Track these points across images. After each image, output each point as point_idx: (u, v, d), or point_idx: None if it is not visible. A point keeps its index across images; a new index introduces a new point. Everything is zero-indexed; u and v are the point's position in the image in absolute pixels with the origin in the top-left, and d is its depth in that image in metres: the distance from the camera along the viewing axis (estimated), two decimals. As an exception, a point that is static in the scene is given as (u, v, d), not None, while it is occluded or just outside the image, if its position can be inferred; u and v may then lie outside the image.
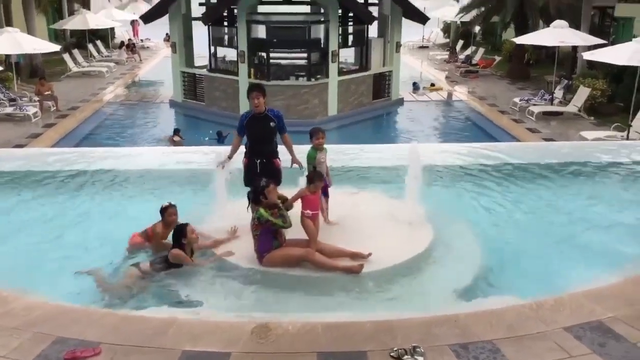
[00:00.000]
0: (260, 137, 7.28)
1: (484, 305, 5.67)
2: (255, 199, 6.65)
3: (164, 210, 7.30)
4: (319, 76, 18.15)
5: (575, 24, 20.58)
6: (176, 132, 15.28)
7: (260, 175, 7.22)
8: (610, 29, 26.06)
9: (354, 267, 6.39)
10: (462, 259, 6.99)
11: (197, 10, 19.75)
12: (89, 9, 32.02)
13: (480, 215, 8.37)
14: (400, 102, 20.96)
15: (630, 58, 13.88)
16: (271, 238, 6.50)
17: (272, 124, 7.28)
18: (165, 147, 13.68)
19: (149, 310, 5.76)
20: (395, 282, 6.42)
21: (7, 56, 20.24)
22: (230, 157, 7.46)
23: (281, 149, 7.57)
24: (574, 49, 21.99)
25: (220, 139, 15.81)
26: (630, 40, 15.56)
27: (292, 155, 7.55)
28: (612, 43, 20.00)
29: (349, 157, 10.30)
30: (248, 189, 7.31)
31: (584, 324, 4.94)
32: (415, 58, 32.01)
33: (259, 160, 7.32)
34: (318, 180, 6.70)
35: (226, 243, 7.12)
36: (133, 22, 35.44)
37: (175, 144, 14.56)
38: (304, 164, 7.34)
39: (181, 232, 6.79)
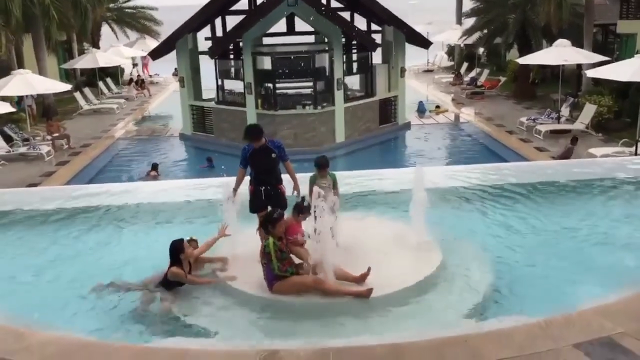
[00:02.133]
0: (263, 168, 7.58)
1: (493, 325, 5.69)
2: (263, 225, 6.76)
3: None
4: (325, 104, 18.37)
5: (578, 42, 20.74)
6: (154, 167, 15.56)
7: (265, 201, 7.44)
8: (613, 46, 26.21)
9: (363, 291, 6.44)
10: (470, 279, 7.02)
11: (204, 45, 20.15)
12: (98, 47, 32.69)
13: (488, 236, 8.39)
14: (408, 126, 21.11)
15: (634, 74, 13.98)
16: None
17: (273, 155, 7.57)
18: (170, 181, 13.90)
19: (161, 341, 5.83)
20: (405, 305, 6.45)
21: (20, 98, 20.70)
22: (236, 190, 7.67)
23: (287, 177, 7.77)
24: (579, 66, 22.12)
25: (210, 165, 16.30)
26: (633, 56, 15.67)
27: (294, 182, 7.78)
28: (616, 59, 20.11)
29: (357, 182, 10.41)
30: (253, 215, 7.63)
31: (594, 340, 4.94)
32: (421, 82, 32.24)
33: (263, 188, 7.59)
34: (307, 212, 6.95)
35: (225, 262, 7.38)
36: (143, 58, 36.12)
37: (153, 179, 14.77)
38: (306, 189, 7.50)
39: (177, 249, 6.91)
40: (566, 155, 14.54)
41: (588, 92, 20.07)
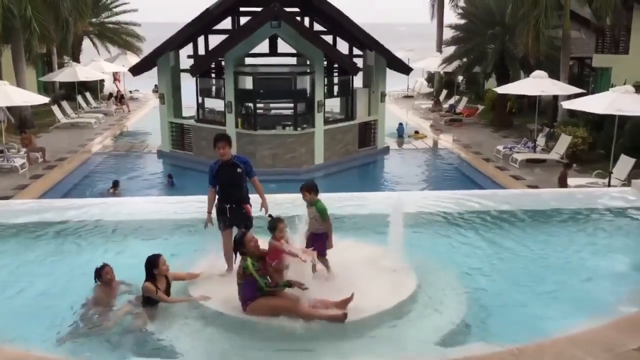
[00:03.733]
0: (228, 184, 7.47)
1: (467, 351, 5.69)
2: (235, 249, 6.71)
3: (99, 271, 7.26)
4: (305, 125, 18.45)
5: (554, 74, 21.18)
6: (115, 184, 15.57)
7: (231, 219, 7.39)
8: (589, 79, 26.82)
9: (338, 315, 6.39)
10: (445, 305, 7.03)
11: (185, 62, 20.15)
12: (78, 61, 32.48)
13: (464, 263, 8.42)
14: (386, 150, 21.26)
15: (608, 107, 14.27)
16: (254, 288, 6.51)
17: (239, 170, 7.48)
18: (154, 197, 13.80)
19: (130, 360, 5.72)
20: (379, 329, 6.42)
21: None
22: (209, 212, 7.60)
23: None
24: (555, 97, 22.57)
25: (170, 183, 16.57)
26: (608, 89, 16.03)
27: (261, 198, 7.70)
28: (591, 92, 20.57)
29: (334, 205, 10.38)
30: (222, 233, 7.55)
31: (565, 370, 4.97)
32: (400, 107, 32.59)
33: (228, 205, 7.48)
34: (280, 223, 6.77)
35: (201, 281, 7.29)
36: (115, 74, 35.90)
37: (113, 196, 14.79)
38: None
39: (152, 263, 6.85)
40: (562, 180, 14.77)
41: (564, 123, 20.45)
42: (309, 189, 7.27)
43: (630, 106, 13.97)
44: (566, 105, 16.59)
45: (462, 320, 6.72)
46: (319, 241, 7.24)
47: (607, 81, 22.87)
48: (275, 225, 6.77)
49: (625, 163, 15.46)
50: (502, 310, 6.99)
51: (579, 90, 19.09)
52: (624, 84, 17.08)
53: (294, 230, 6.98)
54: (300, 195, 7.28)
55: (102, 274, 7.26)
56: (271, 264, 6.59)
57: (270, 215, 6.92)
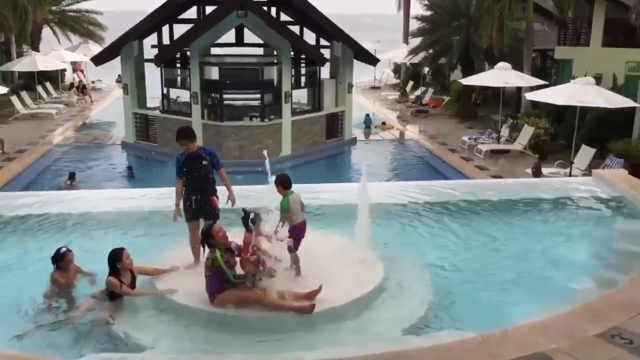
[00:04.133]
0: (194, 176, 7.37)
1: (433, 339, 5.75)
2: (204, 242, 6.63)
3: (60, 255, 7.18)
4: (272, 117, 18.35)
5: (518, 66, 21.51)
6: (71, 176, 15.31)
7: (197, 211, 7.33)
8: (551, 71, 27.32)
9: (306, 307, 6.38)
10: (412, 295, 7.10)
11: (150, 52, 19.81)
12: (38, 50, 31.64)
13: (430, 252, 8.51)
14: (354, 141, 21.32)
15: (569, 98, 14.55)
16: (222, 280, 6.46)
17: (204, 162, 7.38)
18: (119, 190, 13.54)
19: (94, 355, 5.61)
20: (346, 320, 6.44)
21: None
22: (177, 205, 7.49)
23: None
24: (518, 89, 22.93)
25: (130, 175, 16.49)
26: (570, 81, 16.36)
27: (229, 191, 7.62)
28: (553, 84, 20.97)
29: (302, 196, 10.35)
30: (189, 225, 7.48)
31: (528, 356, 5.06)
32: (367, 98, 32.70)
33: (194, 197, 7.40)
34: (257, 221, 6.68)
35: (168, 274, 7.19)
36: (73, 63, 35.06)
37: (70, 188, 14.56)
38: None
39: (115, 257, 6.75)
40: (537, 171, 15.00)
41: (527, 114, 20.82)
42: (277, 183, 7.16)
43: (590, 97, 14.28)
44: (529, 96, 16.88)
45: (429, 309, 6.79)
46: (291, 234, 7.19)
47: (569, 73, 23.33)
48: (253, 220, 6.66)
49: (586, 153, 15.83)
50: (468, 298, 7.09)
51: (541, 82, 19.43)
52: (585, 75, 17.46)
53: (262, 223, 6.91)
54: (265, 187, 7.22)
55: (63, 258, 7.15)
56: (248, 259, 6.52)
57: (243, 210, 6.83)
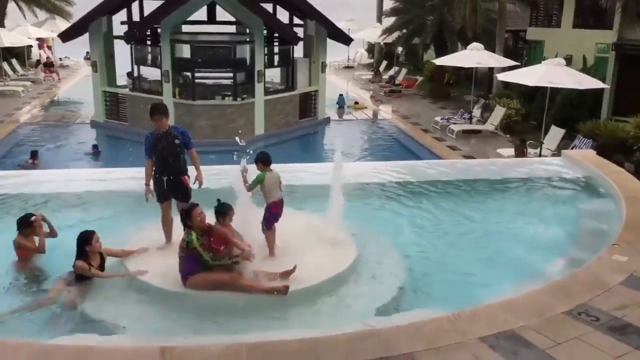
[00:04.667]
0: (165, 155, 7.23)
1: (405, 318, 5.81)
2: (183, 220, 6.55)
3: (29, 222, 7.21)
4: (245, 96, 18.17)
5: (490, 47, 21.64)
6: (33, 154, 15.11)
7: (168, 191, 7.25)
8: (523, 52, 27.54)
9: (280, 287, 6.38)
10: (385, 274, 7.15)
11: (119, 29, 19.37)
12: (3, 26, 30.69)
13: (403, 232, 8.58)
14: (327, 121, 21.27)
15: (540, 79, 14.70)
16: (196, 262, 6.41)
17: (177, 141, 7.25)
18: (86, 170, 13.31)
19: (63, 338, 5.54)
20: (320, 299, 6.48)
21: None
22: (147, 184, 7.36)
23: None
24: (491, 69, 23.09)
25: (95, 153, 16.37)
26: (541, 62, 16.52)
27: (197, 171, 7.51)
28: (525, 65, 21.15)
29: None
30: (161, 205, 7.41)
31: (498, 334, 5.14)
32: (341, 78, 32.59)
33: (165, 178, 7.29)
34: (229, 210, 6.60)
35: (138, 255, 7.14)
36: (39, 40, 34.09)
37: (32, 167, 14.40)
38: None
39: (85, 240, 6.65)
40: (519, 152, 15.14)
41: (498, 95, 21.00)
42: (257, 160, 7.14)
43: (561, 78, 14.45)
44: (501, 77, 17.01)
45: (402, 287, 6.86)
46: (266, 212, 7.15)
47: (540, 54, 23.55)
48: (225, 211, 6.58)
49: (555, 134, 16.07)
50: (440, 277, 7.17)
51: (513, 63, 19.60)
52: (556, 56, 17.64)
53: (234, 204, 6.85)
54: (238, 167, 7.15)
55: (32, 224, 7.18)
56: (219, 250, 6.47)
57: (218, 200, 6.74)
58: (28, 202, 9.10)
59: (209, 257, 6.35)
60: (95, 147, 16.74)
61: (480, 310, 5.64)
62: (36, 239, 7.34)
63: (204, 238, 6.41)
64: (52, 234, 7.47)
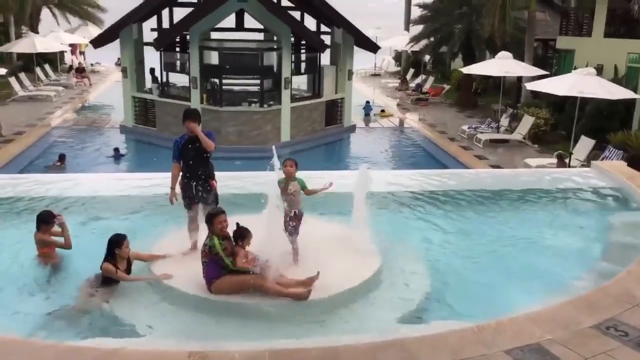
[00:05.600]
0: (193, 159, 7.32)
1: (428, 329, 5.76)
2: (207, 223, 6.60)
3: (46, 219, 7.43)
4: (271, 102, 18.26)
5: (519, 55, 21.41)
6: (61, 158, 15.46)
7: (196, 196, 7.29)
8: (552, 61, 27.19)
9: (302, 293, 6.39)
10: (408, 284, 7.11)
11: (149, 36, 19.67)
12: (37, 32, 31.44)
13: (428, 241, 8.51)
14: (353, 128, 21.25)
15: (570, 88, 14.48)
16: (219, 266, 6.45)
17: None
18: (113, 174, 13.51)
19: (91, 340, 5.61)
20: (343, 308, 6.46)
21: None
22: (173, 188, 7.45)
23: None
24: (519, 79, 22.85)
25: (116, 155, 16.72)
26: (571, 71, 16.28)
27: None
28: (554, 74, 20.88)
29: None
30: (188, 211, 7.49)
31: (524, 347, 5.07)
32: (367, 85, 32.58)
33: (194, 182, 7.36)
34: (248, 236, 6.54)
35: (163, 260, 7.21)
36: (71, 46, 34.81)
37: (59, 170, 14.79)
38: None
39: (115, 243, 6.74)
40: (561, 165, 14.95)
41: (527, 104, 20.75)
42: (292, 164, 7.10)
43: (591, 88, 14.21)
44: (530, 86, 16.81)
45: (426, 297, 6.81)
46: (296, 220, 7.14)
47: (570, 63, 23.23)
48: (244, 235, 6.55)
49: (585, 144, 15.80)
50: (465, 288, 7.10)
51: (542, 72, 19.35)
52: (586, 66, 17.39)
53: (260, 209, 6.85)
54: (264, 173, 7.14)
55: (52, 218, 7.43)
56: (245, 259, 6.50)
57: (237, 224, 6.71)
58: (59, 204, 9.28)
59: (230, 261, 6.38)
60: (116, 150, 17.09)
61: (506, 322, 5.56)
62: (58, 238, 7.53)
63: (226, 243, 6.45)
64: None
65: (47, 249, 7.45)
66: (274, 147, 7.07)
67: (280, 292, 6.41)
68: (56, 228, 7.53)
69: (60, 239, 7.51)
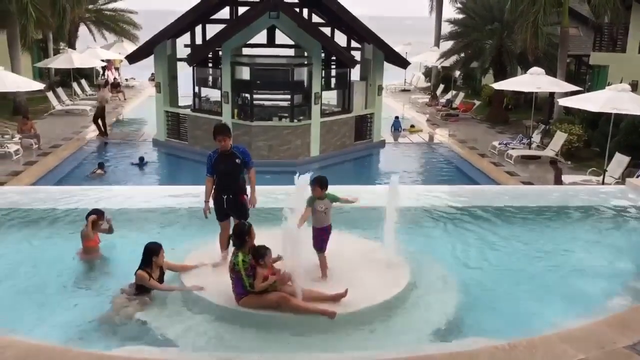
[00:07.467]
0: (226, 174, 7.46)
1: (459, 346, 5.71)
2: (233, 239, 6.66)
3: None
4: (301, 117, 18.40)
5: (552, 71, 21.20)
6: (100, 165, 16.36)
7: (227, 209, 7.41)
8: (586, 77, 26.87)
9: (329, 312, 6.33)
10: (438, 300, 7.05)
11: (182, 52, 20.05)
12: (74, 48, 32.28)
13: (458, 257, 8.45)
14: (382, 144, 21.25)
15: (604, 105, 14.28)
16: (242, 284, 6.47)
17: (237, 160, 7.46)
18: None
19: (121, 348, 5.71)
20: (372, 323, 6.44)
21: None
22: (207, 201, 7.57)
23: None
24: (551, 94, 22.60)
25: (141, 164, 17.26)
26: (605, 87, 16.05)
27: (251, 190, 7.67)
28: (588, 90, 20.62)
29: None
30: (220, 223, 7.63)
31: (556, 366, 5.00)
32: (397, 101, 32.54)
33: (225, 196, 7.48)
34: (266, 252, 6.48)
35: (195, 271, 7.32)
36: (107, 62, 35.62)
37: (99, 177, 15.86)
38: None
39: (152, 251, 6.90)
40: (557, 179, 14.80)
41: (559, 120, 20.48)
42: (324, 186, 7.07)
43: (626, 105, 13.99)
44: (562, 102, 16.61)
45: (455, 314, 6.74)
46: (325, 235, 7.18)
47: (604, 79, 22.93)
48: (262, 253, 6.47)
49: (619, 161, 15.51)
50: (495, 305, 7.02)
51: (575, 88, 19.12)
52: (621, 82, 17.12)
53: (287, 223, 6.88)
54: (293, 187, 7.21)
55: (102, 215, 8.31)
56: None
57: (261, 247, 6.65)
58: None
59: (249, 283, 6.40)
60: (141, 158, 17.71)
61: (537, 341, 5.49)
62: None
63: (250, 260, 6.44)
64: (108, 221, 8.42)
65: (92, 242, 8.01)
66: (296, 176, 7.11)
67: (307, 309, 6.40)
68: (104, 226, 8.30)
69: (105, 227, 8.39)
